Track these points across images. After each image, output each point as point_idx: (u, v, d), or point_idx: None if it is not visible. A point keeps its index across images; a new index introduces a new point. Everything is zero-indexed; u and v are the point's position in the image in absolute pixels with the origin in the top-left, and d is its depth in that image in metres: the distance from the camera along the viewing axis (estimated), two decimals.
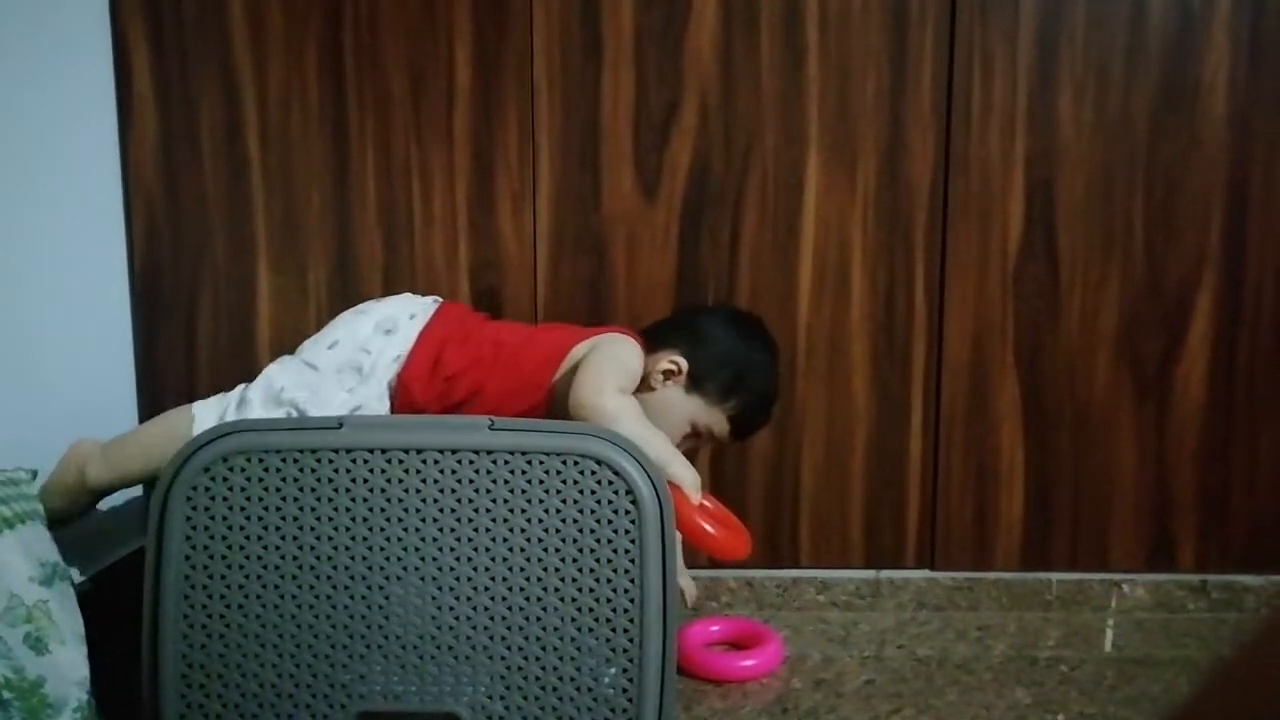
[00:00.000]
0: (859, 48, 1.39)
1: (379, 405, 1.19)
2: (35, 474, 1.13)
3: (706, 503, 1.16)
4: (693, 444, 1.31)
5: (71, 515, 1.21)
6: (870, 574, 1.46)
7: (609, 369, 1.18)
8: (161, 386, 1.44)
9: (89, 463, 1.20)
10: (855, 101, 1.40)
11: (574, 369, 1.20)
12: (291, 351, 1.30)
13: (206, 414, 1.20)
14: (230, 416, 1.19)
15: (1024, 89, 1.39)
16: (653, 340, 1.28)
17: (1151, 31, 1.38)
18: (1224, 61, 1.38)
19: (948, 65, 1.39)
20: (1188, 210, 1.41)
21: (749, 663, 1.28)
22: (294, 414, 1.17)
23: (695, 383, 1.26)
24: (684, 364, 1.26)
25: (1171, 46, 1.38)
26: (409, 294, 1.35)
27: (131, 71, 1.41)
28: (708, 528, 1.13)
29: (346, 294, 1.44)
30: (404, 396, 1.20)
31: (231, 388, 1.28)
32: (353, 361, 1.21)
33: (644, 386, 1.25)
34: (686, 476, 1.13)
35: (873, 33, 1.39)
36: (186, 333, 1.46)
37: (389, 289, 1.44)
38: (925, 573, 1.47)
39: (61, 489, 1.19)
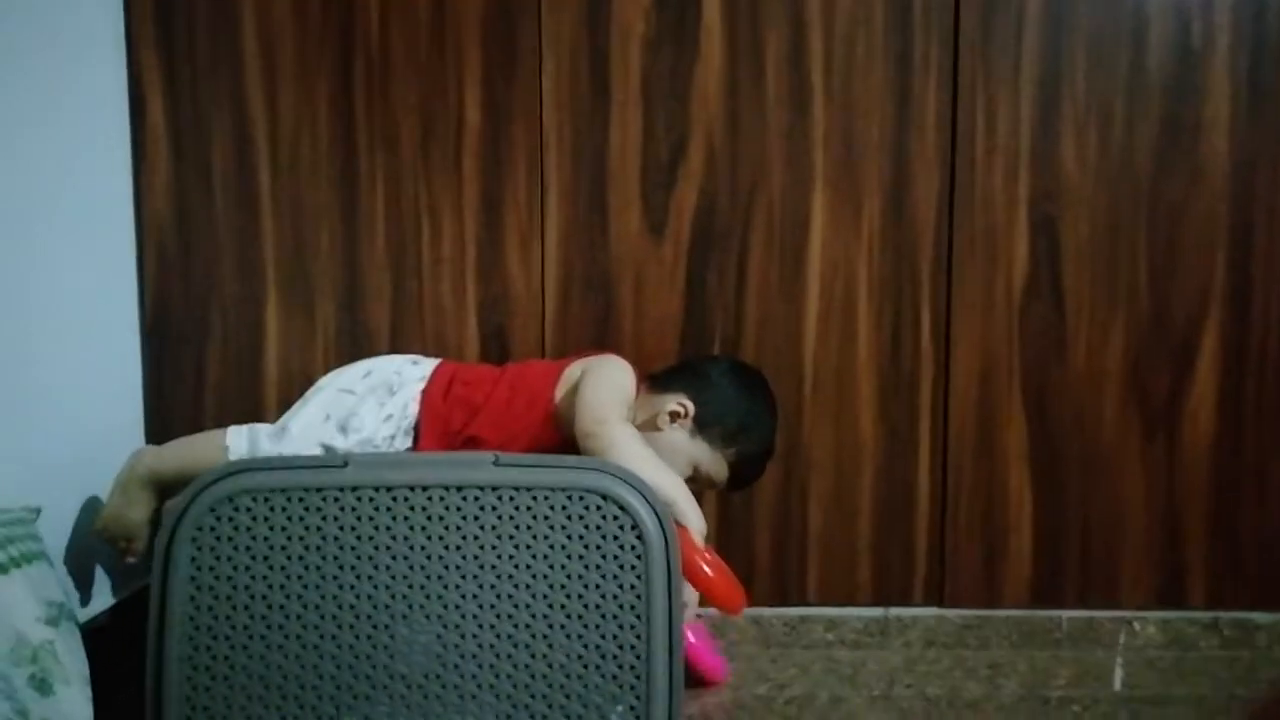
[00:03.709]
0: (863, 89, 1.40)
1: (409, 410, 1.28)
2: (39, 512, 1.13)
3: (708, 555, 1.16)
4: (692, 489, 1.31)
5: (135, 523, 1.27)
6: (879, 612, 1.45)
7: (607, 396, 1.22)
8: (170, 420, 1.44)
9: (146, 454, 1.30)
10: (860, 142, 1.41)
11: (572, 390, 1.25)
12: (302, 385, 1.36)
13: (239, 442, 1.27)
14: (264, 446, 1.26)
15: (1027, 129, 1.40)
16: (659, 384, 1.32)
17: (1152, 71, 1.39)
18: (1224, 99, 1.39)
19: (951, 106, 1.40)
20: (1192, 247, 1.41)
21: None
22: (339, 430, 1.26)
23: (700, 426, 1.28)
24: (691, 406, 1.28)
25: (1172, 85, 1.39)
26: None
27: (145, 107, 1.43)
28: (708, 570, 1.12)
29: (354, 330, 1.45)
30: (429, 405, 1.27)
31: (239, 421, 1.32)
32: (386, 383, 1.30)
33: (651, 426, 1.27)
34: (694, 518, 1.13)
35: (876, 75, 1.40)
36: (195, 366, 1.46)
37: (397, 326, 1.45)
38: (934, 610, 1.45)
39: (120, 487, 1.28)
